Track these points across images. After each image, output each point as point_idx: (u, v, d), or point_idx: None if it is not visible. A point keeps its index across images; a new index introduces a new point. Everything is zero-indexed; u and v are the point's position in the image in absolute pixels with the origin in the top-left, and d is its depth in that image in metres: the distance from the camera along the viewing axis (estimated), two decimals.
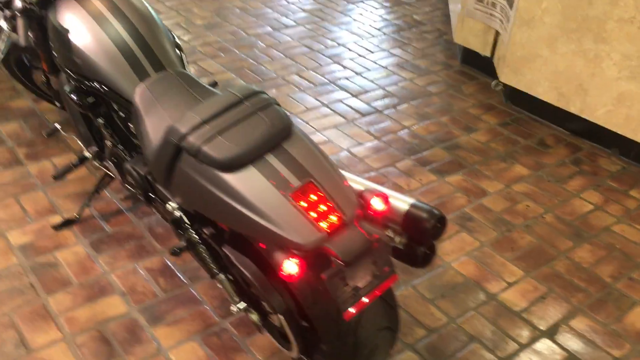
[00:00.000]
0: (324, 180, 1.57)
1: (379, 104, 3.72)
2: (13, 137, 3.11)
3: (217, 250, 1.85)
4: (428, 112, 3.68)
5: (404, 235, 1.70)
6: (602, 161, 3.32)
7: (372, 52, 4.38)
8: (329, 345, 1.66)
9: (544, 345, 2.21)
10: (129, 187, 2.40)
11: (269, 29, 4.62)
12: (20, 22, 1.99)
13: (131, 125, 2.13)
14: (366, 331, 1.65)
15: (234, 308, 1.86)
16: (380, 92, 3.86)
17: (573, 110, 3.43)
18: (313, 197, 1.53)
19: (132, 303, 2.25)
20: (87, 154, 2.54)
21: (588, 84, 3.31)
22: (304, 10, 4.98)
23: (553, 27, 3.35)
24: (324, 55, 4.29)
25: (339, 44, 4.46)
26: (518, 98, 3.75)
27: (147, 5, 2.23)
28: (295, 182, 1.55)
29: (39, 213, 2.64)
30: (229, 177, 1.57)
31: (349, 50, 4.38)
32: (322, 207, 1.52)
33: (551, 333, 2.26)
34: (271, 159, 1.60)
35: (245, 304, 1.85)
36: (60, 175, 2.54)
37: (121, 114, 2.14)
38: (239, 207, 1.54)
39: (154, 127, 1.91)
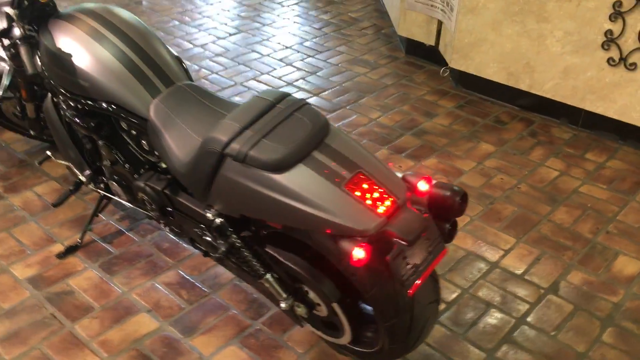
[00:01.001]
0: (371, 169, 1.67)
1: (341, 100, 3.85)
2: None
3: (259, 252, 1.91)
4: (388, 103, 3.84)
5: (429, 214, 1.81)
6: (555, 131, 3.59)
7: (320, 52, 4.50)
8: (388, 325, 1.76)
9: (550, 301, 2.41)
10: (138, 206, 2.41)
11: (214, 37, 4.65)
12: (23, 50, 1.96)
13: (144, 142, 2.14)
14: (420, 306, 1.77)
15: (283, 305, 1.93)
16: (338, 88, 3.99)
17: (522, 87, 3.69)
18: (365, 185, 1.63)
19: (160, 318, 2.26)
20: (82, 178, 2.52)
21: (535, 62, 3.57)
22: (242, 17, 5.04)
23: (497, 12, 3.59)
24: (274, 58, 4.37)
25: (286, 47, 4.55)
26: (468, 81, 3.98)
27: (139, 20, 2.25)
28: (345, 174, 1.65)
29: (37, 244, 2.58)
30: (281, 177, 1.64)
31: (297, 52, 4.49)
32: (375, 194, 1.62)
33: (554, 289, 2.46)
34: (318, 155, 1.69)
35: (292, 299, 1.93)
36: (60, 203, 2.51)
37: (133, 132, 2.15)
38: (295, 204, 1.61)
39: (178, 140, 1.94)
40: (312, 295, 1.94)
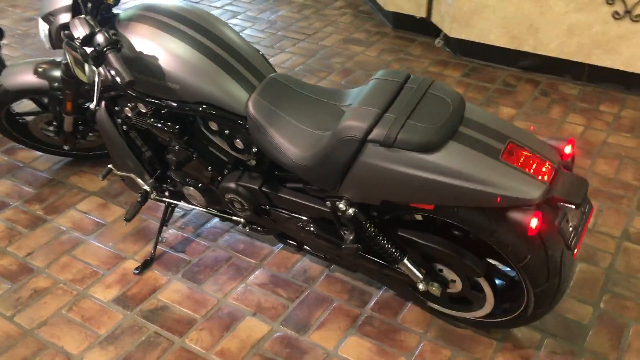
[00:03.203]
0: (519, 137, 1.68)
1: (349, 80, 3.82)
2: (14, 196, 2.80)
3: (393, 236, 1.89)
4: None
5: None
6: (562, 88, 3.72)
7: (309, 35, 4.45)
8: (538, 290, 1.79)
9: (630, 247, 2.51)
10: (218, 208, 2.32)
11: None
12: (113, 57, 1.81)
13: (237, 141, 2.06)
14: (566, 268, 1.80)
15: (421, 286, 1.92)
16: (342, 68, 3.96)
17: (526, 48, 3.79)
18: (520, 154, 1.64)
19: (269, 319, 2.20)
20: (146, 188, 2.39)
21: (538, 23, 3.67)
22: (223, 10, 4.90)
23: None
24: (265, 46, 4.28)
25: (272, 34, 4.46)
26: (468, 49, 4.05)
27: (210, 13, 2.14)
28: (498, 145, 1.65)
29: (107, 263, 2.44)
30: (436, 157, 1.62)
31: (286, 37, 4.41)
32: (532, 162, 1.63)
33: (627, 237, 2.57)
34: (465, 130, 1.68)
35: (429, 279, 1.92)
36: (132, 217, 2.37)
37: (225, 131, 2.05)
38: (456, 182, 1.60)
39: (290, 134, 1.88)
40: (445, 272, 1.94)
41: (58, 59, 2.55)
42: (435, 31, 4.29)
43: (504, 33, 3.81)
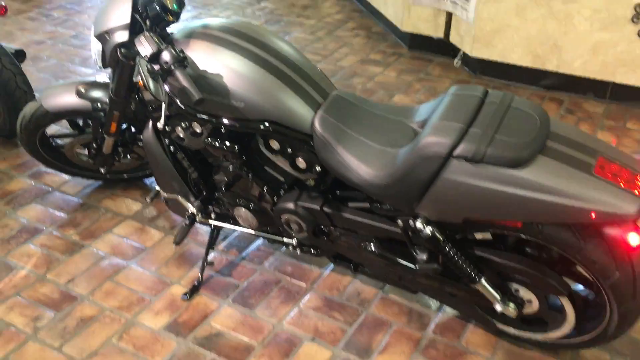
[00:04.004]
0: (607, 151, 1.65)
1: (374, 100, 3.79)
2: (46, 221, 2.70)
3: (470, 255, 1.84)
4: (421, 98, 3.84)
5: None
6: (587, 106, 3.73)
7: (325, 56, 4.43)
8: (623, 309, 1.74)
9: None
10: (270, 230, 2.26)
11: None
12: (181, 75, 1.75)
13: (300, 160, 2.00)
14: None
15: (498, 307, 1.86)
16: (363, 89, 3.93)
17: (550, 67, 3.80)
18: (612, 169, 1.61)
19: (329, 344, 2.12)
20: (193, 210, 2.32)
21: (562, 42, 3.69)
22: None
23: None
24: None
25: None
26: (488, 68, 4.05)
27: (267, 29, 2.10)
28: (589, 160, 1.61)
29: (152, 289, 2.35)
30: (526, 172, 1.58)
31: None
32: (625, 176, 1.60)
33: None
34: (552, 144, 1.64)
35: (506, 299, 1.87)
36: (181, 240, 2.29)
37: (288, 150, 2.00)
38: (548, 198, 1.56)
39: (362, 152, 1.84)
40: (522, 292, 1.89)
41: (99, 80, 2.49)
42: (452, 51, 4.30)
43: (526, 52, 3.82)
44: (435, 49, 4.42)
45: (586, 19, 3.55)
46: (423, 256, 1.88)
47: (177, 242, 2.29)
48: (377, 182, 1.79)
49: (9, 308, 2.25)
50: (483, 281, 1.84)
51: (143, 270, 2.44)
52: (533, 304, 1.90)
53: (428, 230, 1.78)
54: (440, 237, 1.78)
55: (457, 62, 4.25)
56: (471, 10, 3.87)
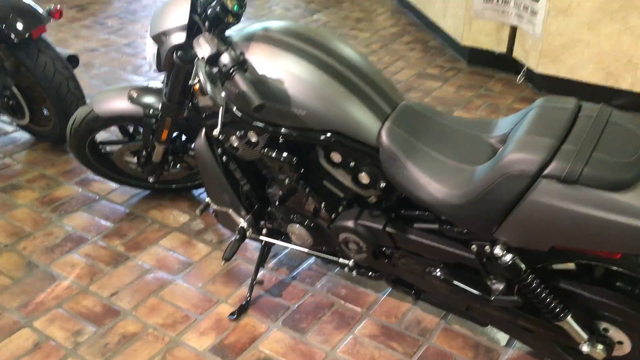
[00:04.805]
0: None
1: None
2: (91, 230, 2.60)
3: (554, 287, 1.64)
4: (482, 114, 3.64)
5: None
6: None
7: (382, 69, 4.27)
8: None
9: None
10: (324, 250, 2.10)
11: None
12: (241, 79, 1.62)
13: (363, 175, 1.84)
14: None
15: (585, 348, 1.65)
16: (422, 102, 3.75)
17: (624, 86, 3.56)
18: None
19: None
20: (244, 225, 2.18)
21: (639, 59, 3.44)
22: None
23: (594, 11, 3.45)
24: None
25: None
26: (554, 85, 3.83)
27: (330, 33, 1.96)
28: None
29: (198, 307, 2.21)
30: (629, 197, 1.38)
31: None
32: None
33: None
34: None
35: (594, 340, 1.66)
36: (231, 256, 2.15)
37: (350, 164, 1.84)
38: None
39: (434, 169, 1.67)
40: (612, 332, 1.68)
41: (151, 85, 2.39)
42: (515, 67, 4.09)
43: (598, 69, 3.59)
44: (496, 65, 4.22)
45: None
46: (499, 286, 1.69)
47: (227, 258, 2.15)
48: (451, 201, 1.61)
49: (49, 321, 2.15)
50: (569, 318, 1.63)
51: (189, 286, 2.31)
52: (624, 346, 1.68)
53: (508, 257, 1.59)
54: (522, 266, 1.59)
55: (520, 78, 4.04)
56: (538, 24, 3.67)
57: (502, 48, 4.13)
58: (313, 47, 1.82)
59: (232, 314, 2.17)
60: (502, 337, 2.07)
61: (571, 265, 1.69)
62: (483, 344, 2.06)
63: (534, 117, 1.57)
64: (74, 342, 2.06)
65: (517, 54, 4.03)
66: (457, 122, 1.80)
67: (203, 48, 1.68)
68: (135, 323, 2.14)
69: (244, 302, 2.20)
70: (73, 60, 3.13)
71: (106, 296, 2.26)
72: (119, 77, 4.08)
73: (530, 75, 3.94)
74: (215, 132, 1.74)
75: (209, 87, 1.81)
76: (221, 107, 1.79)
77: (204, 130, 2.13)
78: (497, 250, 1.59)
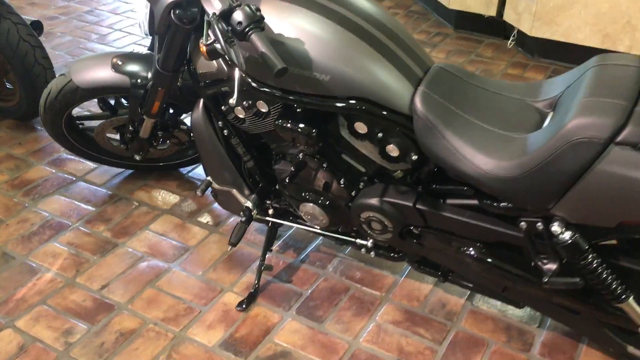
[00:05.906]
0: None
1: None
2: (71, 215, 2.35)
3: (615, 267, 1.49)
4: None
5: None
6: None
7: None
8: None
9: None
10: (340, 230, 1.92)
11: None
12: (259, 40, 1.39)
13: (391, 147, 1.64)
14: None
15: None
16: None
17: (621, 48, 3.43)
18: None
19: None
20: (249, 205, 1.97)
21: (637, 20, 3.32)
22: None
23: None
24: None
25: None
26: (548, 50, 3.69)
27: None
28: None
29: (201, 297, 2.00)
30: None
31: None
32: None
33: None
34: None
35: None
36: (238, 241, 1.94)
37: (378, 134, 1.64)
38: None
39: (476, 137, 1.49)
40: None
41: (136, 51, 2.13)
42: (504, 31, 3.94)
43: (594, 31, 3.45)
44: (485, 29, 4.05)
45: None
46: (551, 266, 1.53)
47: (234, 243, 1.94)
48: (502, 174, 1.44)
49: (33, 319, 1.90)
50: (631, 300, 1.49)
51: (188, 274, 2.09)
52: None
53: (567, 235, 1.42)
54: (584, 245, 1.43)
55: (510, 42, 3.88)
56: None
57: (491, 11, 3.95)
58: (335, 2, 1.60)
59: (240, 303, 1.96)
60: (534, 318, 1.93)
61: (612, 241, 1.55)
62: (515, 326, 1.91)
63: (593, 77, 1.40)
64: (65, 342, 1.83)
65: (508, 17, 3.86)
66: (497, 86, 1.62)
67: (213, 3, 1.44)
68: (133, 318, 1.92)
69: (253, 290, 2.00)
70: (37, 26, 2.82)
71: (96, 289, 2.02)
72: (84, 47, 3.76)
73: (522, 40, 3.79)
74: (232, 100, 1.51)
75: (229, 49, 1.57)
76: (236, 72, 1.56)
77: (201, 101, 1.90)
78: (556, 228, 1.43)
